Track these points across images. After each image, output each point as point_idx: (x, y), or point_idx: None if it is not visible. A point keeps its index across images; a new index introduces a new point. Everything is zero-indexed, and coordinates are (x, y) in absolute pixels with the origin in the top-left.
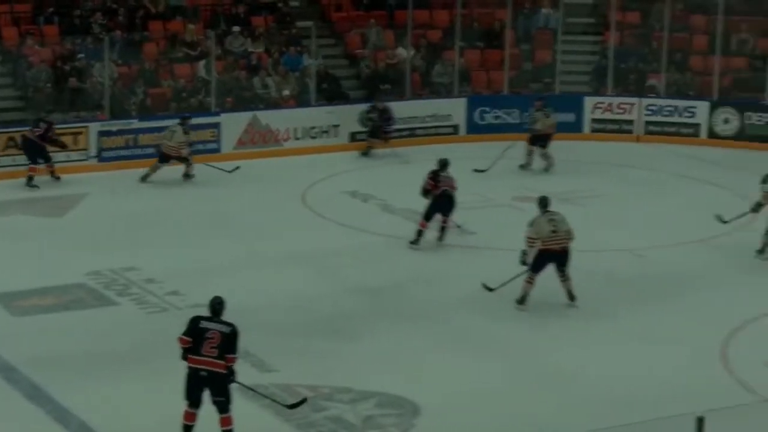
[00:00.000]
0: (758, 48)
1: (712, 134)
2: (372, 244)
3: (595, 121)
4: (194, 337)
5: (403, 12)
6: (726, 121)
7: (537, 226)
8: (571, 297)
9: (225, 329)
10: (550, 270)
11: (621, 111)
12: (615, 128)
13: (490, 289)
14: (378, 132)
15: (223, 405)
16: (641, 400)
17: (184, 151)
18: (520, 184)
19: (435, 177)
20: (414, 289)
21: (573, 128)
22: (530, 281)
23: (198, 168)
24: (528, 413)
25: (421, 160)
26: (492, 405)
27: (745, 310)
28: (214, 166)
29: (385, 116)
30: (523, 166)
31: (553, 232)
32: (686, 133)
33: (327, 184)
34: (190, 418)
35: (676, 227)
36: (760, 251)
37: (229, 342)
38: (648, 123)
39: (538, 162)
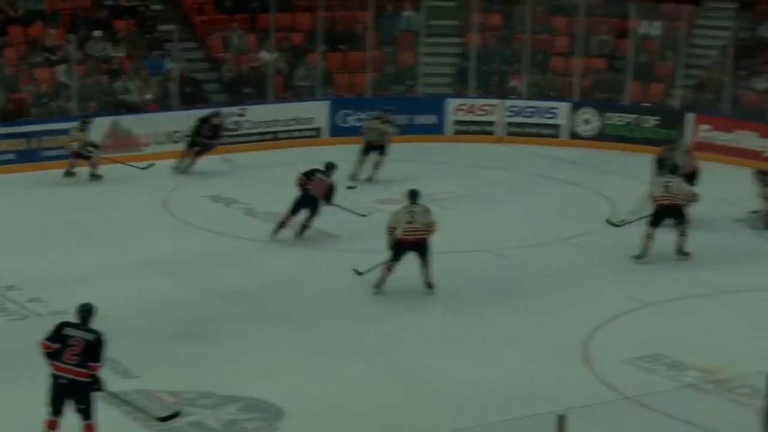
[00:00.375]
0: (618, 49)
1: (574, 135)
2: (235, 248)
3: (457, 122)
4: (58, 343)
5: (266, 15)
6: (587, 121)
7: (395, 216)
8: (429, 285)
9: (89, 337)
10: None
11: (483, 112)
12: (477, 130)
13: (360, 273)
14: (202, 146)
15: (85, 413)
16: (504, 399)
17: (75, 145)
18: (383, 187)
19: (309, 175)
20: (277, 293)
21: (435, 130)
22: (388, 269)
23: (117, 168)
24: (392, 414)
25: (282, 163)
26: (356, 406)
27: (605, 309)
28: (132, 165)
29: (217, 131)
30: (354, 177)
31: (409, 223)
32: (547, 133)
33: (189, 188)
34: (51, 426)
35: (538, 227)
36: (639, 256)
37: (92, 350)
38: (510, 124)
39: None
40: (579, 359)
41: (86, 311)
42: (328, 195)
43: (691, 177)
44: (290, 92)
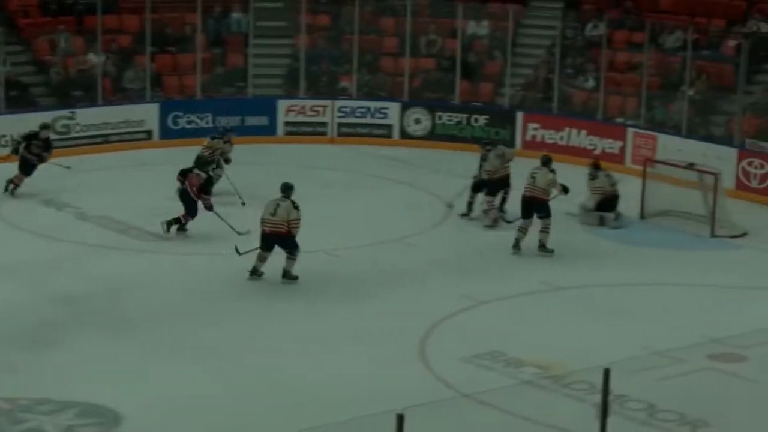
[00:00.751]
0: (446, 48)
1: (404, 134)
2: (68, 253)
3: (288, 123)
4: None
5: (93, 17)
6: (417, 121)
7: (264, 208)
8: (284, 275)
9: None
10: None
11: (314, 113)
12: (309, 131)
13: (240, 253)
14: (36, 162)
15: None
16: (343, 398)
17: None
18: (219, 191)
19: (184, 173)
20: (113, 296)
21: (267, 131)
22: (260, 258)
23: None
24: (233, 416)
25: (113, 166)
26: (196, 410)
27: (441, 308)
28: None
29: (48, 144)
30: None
31: (271, 215)
32: (379, 134)
33: (21, 193)
34: None
35: (372, 227)
36: (516, 246)
37: None
38: (341, 125)
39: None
40: (416, 358)
41: None
42: (202, 187)
43: (504, 181)
44: (120, 95)
